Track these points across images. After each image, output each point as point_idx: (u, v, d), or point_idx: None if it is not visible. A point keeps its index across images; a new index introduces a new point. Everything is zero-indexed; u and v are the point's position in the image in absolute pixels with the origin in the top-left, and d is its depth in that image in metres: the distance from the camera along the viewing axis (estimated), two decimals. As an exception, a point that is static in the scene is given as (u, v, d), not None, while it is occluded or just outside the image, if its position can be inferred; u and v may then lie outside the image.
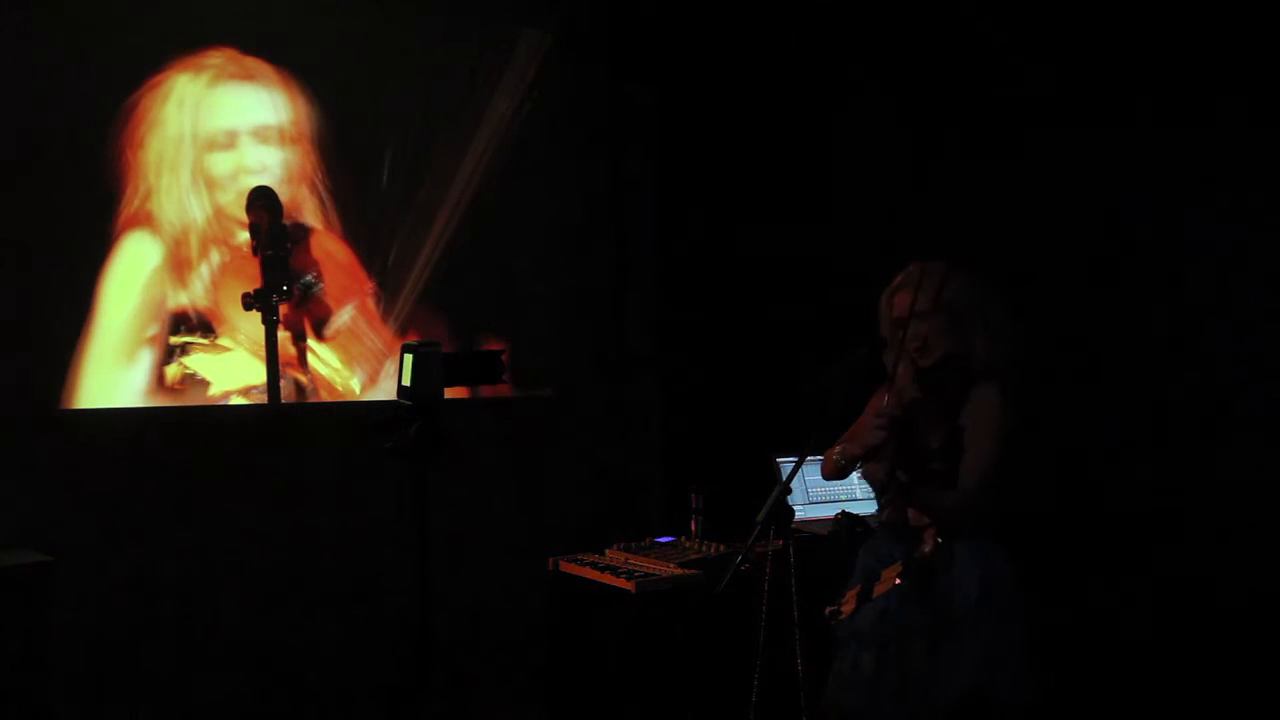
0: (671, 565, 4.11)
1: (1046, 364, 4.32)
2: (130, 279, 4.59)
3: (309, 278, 4.84)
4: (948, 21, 4.81)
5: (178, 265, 4.65)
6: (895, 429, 3.29)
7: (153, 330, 4.61)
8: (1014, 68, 4.60)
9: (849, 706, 3.39)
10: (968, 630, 3.27)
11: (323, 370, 4.89)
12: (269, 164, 4.78)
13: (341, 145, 4.90)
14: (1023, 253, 4.59)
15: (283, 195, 4.66)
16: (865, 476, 3.57)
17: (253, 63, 4.77)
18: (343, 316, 4.92)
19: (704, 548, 4.27)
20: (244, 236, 4.62)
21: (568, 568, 4.27)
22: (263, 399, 4.69)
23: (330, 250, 4.90)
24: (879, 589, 3.32)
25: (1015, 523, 3.39)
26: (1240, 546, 4.10)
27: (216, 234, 4.70)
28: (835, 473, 3.56)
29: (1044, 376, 4.20)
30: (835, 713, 3.42)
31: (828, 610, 3.39)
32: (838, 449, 3.48)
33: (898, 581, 3.26)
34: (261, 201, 4.58)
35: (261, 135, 4.79)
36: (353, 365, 4.94)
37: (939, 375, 3.38)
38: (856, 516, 3.50)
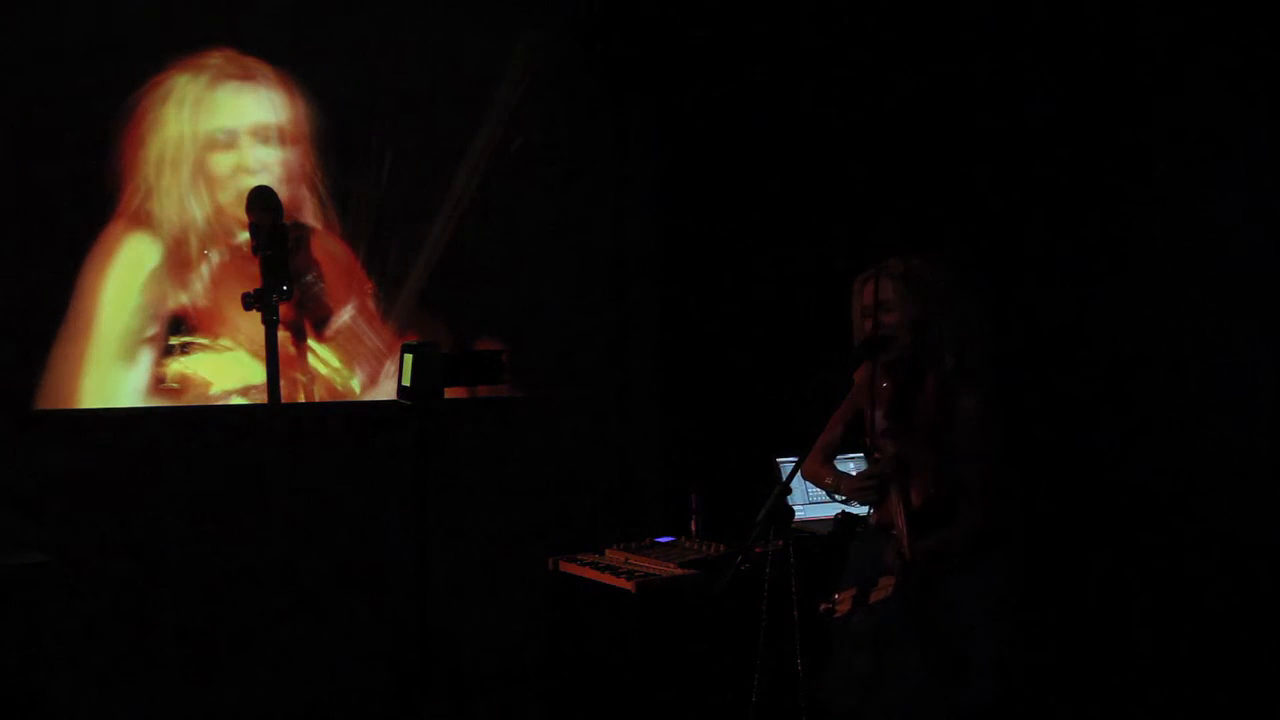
0: (671, 565, 4.11)
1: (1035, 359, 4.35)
2: (130, 279, 4.59)
3: (309, 278, 4.84)
4: (949, 22, 4.82)
5: (177, 265, 4.65)
6: (886, 486, 3.33)
7: (152, 330, 4.61)
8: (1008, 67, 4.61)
9: (843, 706, 3.40)
10: (966, 639, 3.27)
11: (323, 370, 4.89)
12: (269, 164, 4.78)
13: (341, 145, 4.89)
14: (1015, 249, 4.60)
15: (283, 195, 4.64)
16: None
17: (252, 63, 4.77)
18: (343, 316, 4.92)
19: (704, 548, 4.27)
20: (244, 236, 4.62)
21: (568, 568, 4.26)
22: (263, 399, 4.69)
23: (330, 250, 4.90)
24: (875, 595, 3.33)
25: (1021, 527, 3.40)
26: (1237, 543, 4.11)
27: (216, 234, 4.70)
28: (818, 487, 3.63)
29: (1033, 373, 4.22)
30: (829, 710, 3.43)
31: (822, 607, 3.41)
32: (828, 480, 3.52)
33: (891, 592, 3.29)
34: (261, 202, 4.55)
35: (261, 135, 4.79)
36: (353, 365, 4.94)
37: (914, 368, 3.40)
38: (856, 516, 3.51)
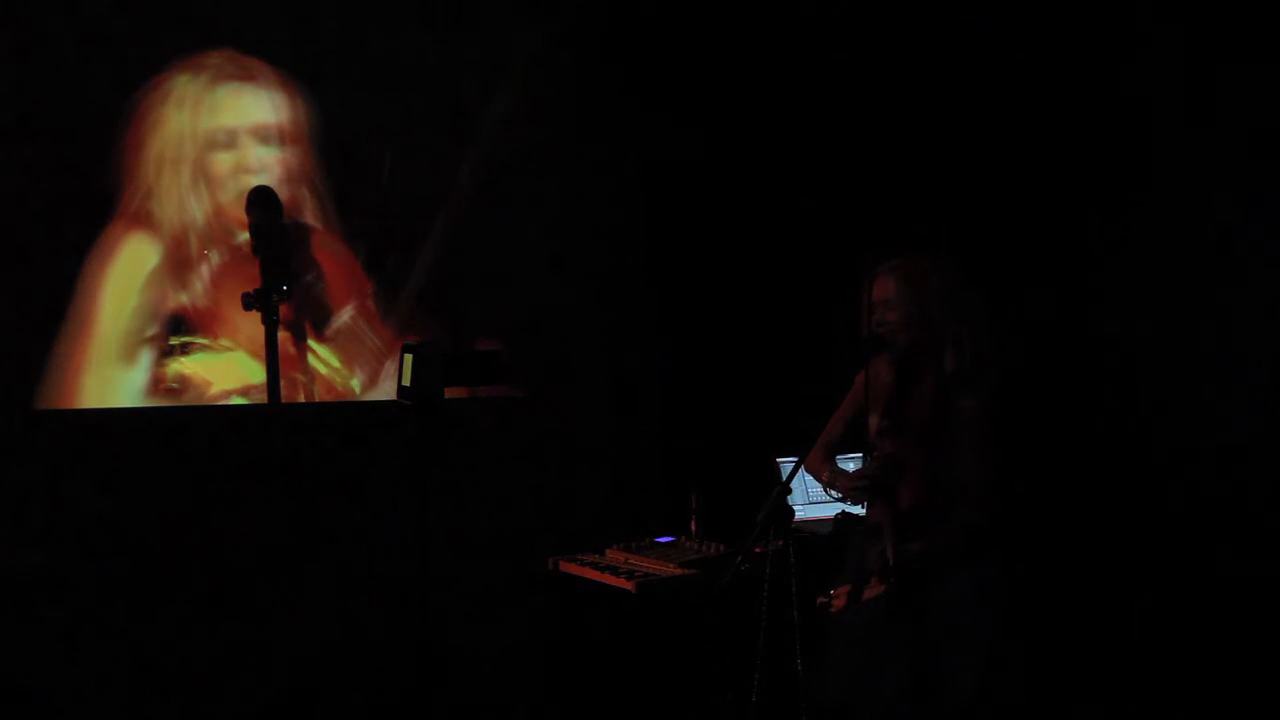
0: (671, 565, 4.11)
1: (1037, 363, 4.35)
2: (130, 279, 4.59)
3: (309, 278, 4.84)
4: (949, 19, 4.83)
5: (177, 265, 4.65)
6: (877, 487, 3.34)
7: (152, 330, 4.62)
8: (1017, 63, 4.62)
9: (836, 699, 3.40)
10: (958, 637, 3.27)
11: (323, 370, 4.89)
12: (269, 164, 4.78)
13: (341, 145, 4.89)
14: (1019, 247, 4.61)
15: (283, 195, 4.64)
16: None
17: (253, 63, 4.77)
18: (343, 316, 4.92)
19: (704, 548, 4.27)
20: (244, 236, 4.62)
21: (568, 568, 4.27)
22: (263, 399, 4.69)
23: (330, 250, 4.90)
24: (869, 593, 3.34)
25: (1013, 526, 3.40)
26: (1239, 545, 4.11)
27: (216, 234, 4.70)
28: (819, 483, 3.65)
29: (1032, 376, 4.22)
30: (823, 703, 3.44)
31: (819, 600, 3.42)
32: (825, 476, 3.54)
33: (884, 588, 3.29)
34: (261, 202, 4.57)
35: (261, 135, 4.79)
36: (353, 365, 4.94)
37: (913, 367, 3.40)
38: (857, 517, 3.51)
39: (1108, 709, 4.25)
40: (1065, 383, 4.53)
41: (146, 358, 4.61)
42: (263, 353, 4.59)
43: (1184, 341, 4.28)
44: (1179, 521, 4.26)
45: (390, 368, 4.94)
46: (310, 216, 4.88)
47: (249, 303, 4.55)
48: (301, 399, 4.85)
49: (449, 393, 3.62)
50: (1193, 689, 4.13)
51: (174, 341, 4.64)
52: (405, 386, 3.61)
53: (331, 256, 4.90)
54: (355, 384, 4.95)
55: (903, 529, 3.29)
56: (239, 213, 4.61)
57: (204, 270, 4.69)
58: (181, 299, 4.66)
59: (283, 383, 4.68)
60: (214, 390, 4.70)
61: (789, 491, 3.40)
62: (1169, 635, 4.22)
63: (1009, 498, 3.34)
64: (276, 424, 4.68)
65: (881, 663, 3.31)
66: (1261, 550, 4.06)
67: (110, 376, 4.56)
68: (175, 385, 4.65)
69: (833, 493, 3.53)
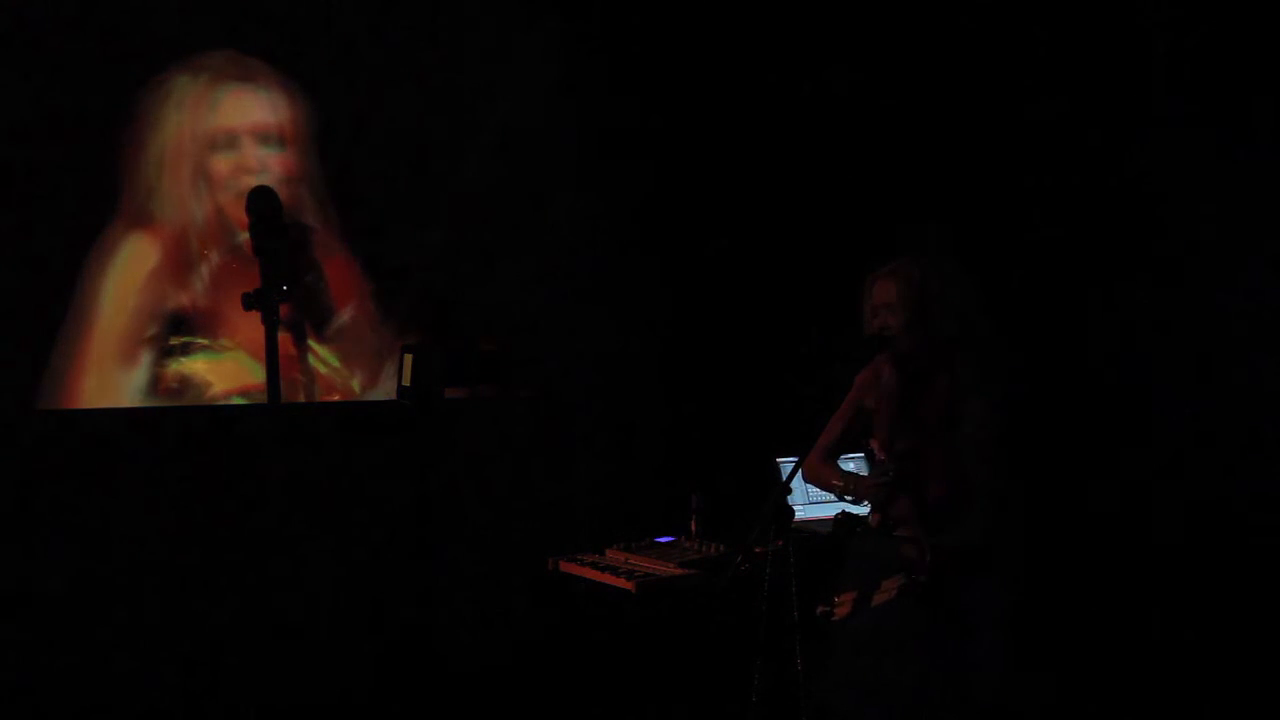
0: (671, 565, 4.11)
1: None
2: (130, 279, 4.59)
3: (309, 278, 4.84)
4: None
5: (178, 265, 4.65)
6: (895, 488, 3.33)
7: (152, 330, 4.62)
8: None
9: (843, 708, 3.39)
10: (968, 643, 3.27)
11: (323, 370, 4.89)
12: (269, 164, 4.78)
13: (341, 145, 4.89)
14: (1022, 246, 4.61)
15: (283, 195, 4.65)
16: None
17: (253, 63, 4.77)
18: (343, 316, 4.92)
19: (704, 548, 4.27)
20: (244, 236, 4.62)
21: (568, 568, 4.27)
22: (263, 399, 4.69)
23: (330, 250, 4.90)
24: (878, 598, 3.33)
25: (1024, 530, 3.40)
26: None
27: (216, 234, 4.70)
28: (824, 490, 3.63)
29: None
30: (829, 711, 3.43)
31: (819, 610, 3.41)
32: (837, 482, 3.51)
33: (895, 594, 3.28)
34: (261, 202, 4.57)
35: (261, 135, 4.79)
36: (353, 365, 4.94)
37: (920, 370, 3.40)
38: (856, 517, 3.50)
39: (1114, 712, 4.25)
40: (1067, 382, 4.53)
41: (147, 358, 4.61)
42: (263, 353, 4.58)
43: (1188, 341, 4.28)
44: (1186, 525, 4.26)
45: (390, 368, 4.93)
46: (310, 216, 4.88)
47: (249, 303, 4.55)
48: (301, 399, 4.84)
49: (449, 393, 3.63)
50: (1197, 692, 4.13)
51: (174, 341, 4.64)
52: (405, 386, 3.62)
53: (331, 256, 4.90)
54: (355, 384, 4.95)
55: (925, 527, 3.29)
56: (239, 213, 4.61)
57: (204, 270, 4.69)
58: (181, 299, 4.66)
59: (283, 383, 4.68)
60: (214, 390, 4.70)
61: (789, 491, 3.40)
62: (1175, 639, 4.22)
63: (1020, 500, 3.34)
64: (276, 424, 4.69)
65: (889, 670, 3.30)
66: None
67: (110, 376, 4.56)
68: (175, 385, 4.65)
69: (847, 498, 3.50)
